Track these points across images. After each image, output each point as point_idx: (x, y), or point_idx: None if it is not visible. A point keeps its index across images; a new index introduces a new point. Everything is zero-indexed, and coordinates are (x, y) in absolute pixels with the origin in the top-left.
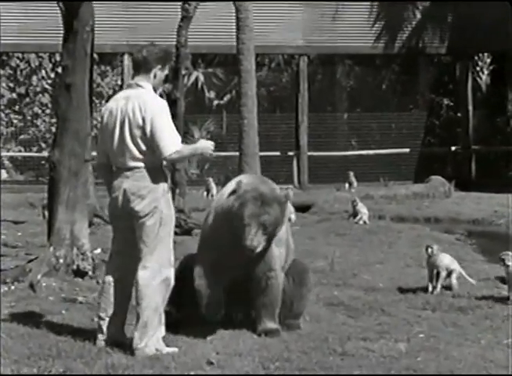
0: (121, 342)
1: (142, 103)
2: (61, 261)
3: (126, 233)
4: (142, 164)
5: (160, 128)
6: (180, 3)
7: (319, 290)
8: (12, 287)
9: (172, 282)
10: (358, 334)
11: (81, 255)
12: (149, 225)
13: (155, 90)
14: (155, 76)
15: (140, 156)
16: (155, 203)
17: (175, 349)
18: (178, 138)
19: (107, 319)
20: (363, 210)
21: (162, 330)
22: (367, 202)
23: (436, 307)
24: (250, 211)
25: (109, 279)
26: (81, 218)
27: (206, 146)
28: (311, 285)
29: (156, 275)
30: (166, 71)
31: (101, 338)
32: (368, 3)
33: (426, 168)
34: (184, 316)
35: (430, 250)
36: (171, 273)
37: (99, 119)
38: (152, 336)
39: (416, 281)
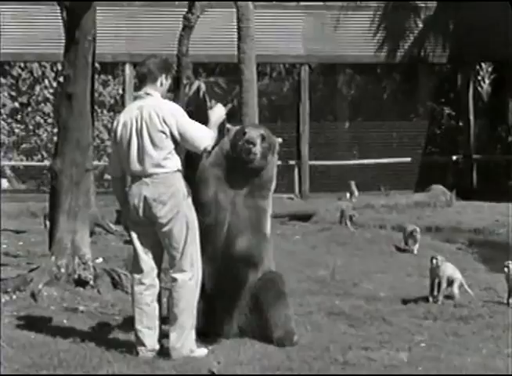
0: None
1: (159, 109)
2: (62, 270)
3: (147, 239)
4: (161, 170)
5: (188, 127)
6: (181, 12)
7: (320, 299)
8: (14, 297)
9: (200, 283)
10: (359, 343)
11: (83, 265)
12: (177, 230)
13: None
14: (161, 84)
15: (160, 161)
16: (177, 208)
17: (205, 350)
18: (203, 126)
19: (145, 330)
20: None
21: (193, 332)
22: (368, 211)
23: (437, 316)
24: (251, 125)
25: (140, 288)
26: (83, 228)
27: (220, 113)
28: (281, 291)
29: (191, 277)
30: (169, 80)
31: (145, 350)
32: (370, 12)
33: (427, 177)
34: None
35: (435, 261)
36: (200, 275)
37: (112, 134)
38: (187, 336)
39: (418, 290)
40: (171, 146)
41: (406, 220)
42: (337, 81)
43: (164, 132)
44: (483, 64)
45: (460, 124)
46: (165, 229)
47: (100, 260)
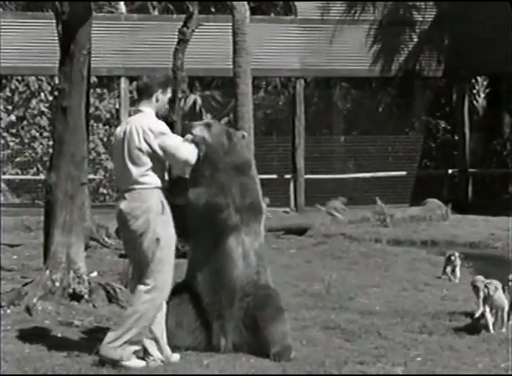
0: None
1: (140, 126)
2: (57, 284)
3: (131, 251)
4: (138, 186)
5: (170, 142)
6: (177, 26)
7: (315, 313)
8: (8, 311)
9: (164, 305)
10: (354, 357)
11: (77, 279)
12: (145, 245)
13: (157, 114)
14: (157, 100)
15: (138, 178)
16: (148, 223)
17: (143, 364)
18: (186, 143)
19: (148, 341)
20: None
21: (139, 344)
22: (363, 225)
23: (433, 331)
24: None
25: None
26: (78, 242)
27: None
28: (278, 307)
29: (148, 291)
30: (168, 95)
31: (151, 360)
32: (366, 26)
33: (422, 191)
34: (179, 340)
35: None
36: (167, 292)
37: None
38: (124, 343)
39: (413, 304)
40: (149, 163)
41: (401, 234)
42: (333, 94)
43: (140, 149)
44: (478, 78)
45: (456, 137)
46: (137, 242)
47: (95, 274)
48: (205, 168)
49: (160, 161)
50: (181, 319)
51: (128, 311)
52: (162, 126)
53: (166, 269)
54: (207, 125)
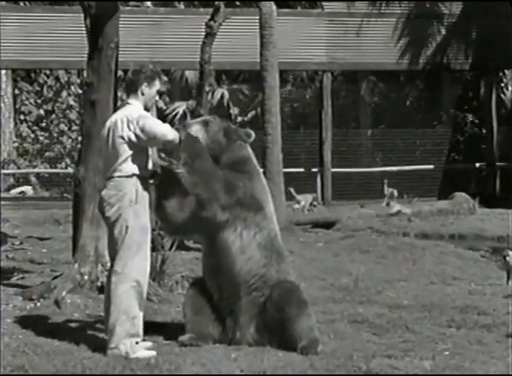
0: None
1: (124, 116)
2: (86, 277)
3: (108, 239)
4: (116, 174)
5: (149, 123)
6: (204, 20)
7: (343, 307)
8: (38, 304)
9: (145, 289)
10: (382, 351)
11: (106, 272)
12: (116, 232)
13: (146, 107)
14: (142, 93)
15: (117, 166)
16: (120, 211)
17: (153, 353)
18: (166, 124)
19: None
20: None
21: (138, 335)
22: (391, 218)
23: (461, 324)
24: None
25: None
26: (106, 235)
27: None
28: (301, 302)
29: (124, 280)
30: (155, 87)
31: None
32: (393, 19)
33: (450, 185)
34: (204, 336)
35: None
36: (143, 280)
37: None
38: (122, 338)
39: (441, 298)
40: (128, 151)
41: (429, 227)
42: (360, 88)
43: (122, 137)
44: (506, 71)
45: (483, 131)
46: (110, 228)
47: None
48: (183, 154)
49: (143, 150)
50: (198, 309)
51: (111, 306)
52: (143, 112)
53: (137, 257)
54: (205, 123)
